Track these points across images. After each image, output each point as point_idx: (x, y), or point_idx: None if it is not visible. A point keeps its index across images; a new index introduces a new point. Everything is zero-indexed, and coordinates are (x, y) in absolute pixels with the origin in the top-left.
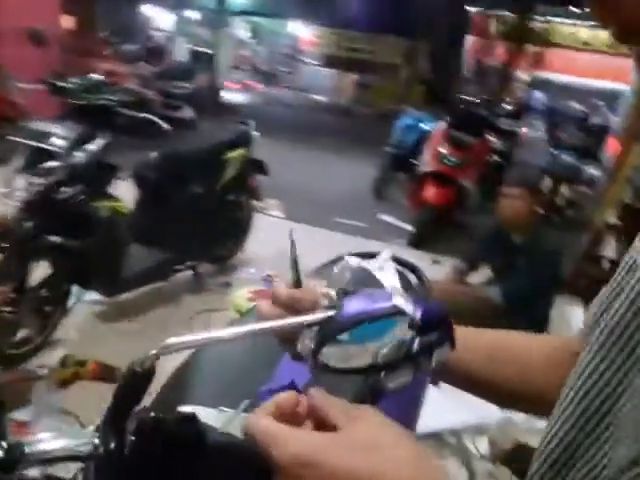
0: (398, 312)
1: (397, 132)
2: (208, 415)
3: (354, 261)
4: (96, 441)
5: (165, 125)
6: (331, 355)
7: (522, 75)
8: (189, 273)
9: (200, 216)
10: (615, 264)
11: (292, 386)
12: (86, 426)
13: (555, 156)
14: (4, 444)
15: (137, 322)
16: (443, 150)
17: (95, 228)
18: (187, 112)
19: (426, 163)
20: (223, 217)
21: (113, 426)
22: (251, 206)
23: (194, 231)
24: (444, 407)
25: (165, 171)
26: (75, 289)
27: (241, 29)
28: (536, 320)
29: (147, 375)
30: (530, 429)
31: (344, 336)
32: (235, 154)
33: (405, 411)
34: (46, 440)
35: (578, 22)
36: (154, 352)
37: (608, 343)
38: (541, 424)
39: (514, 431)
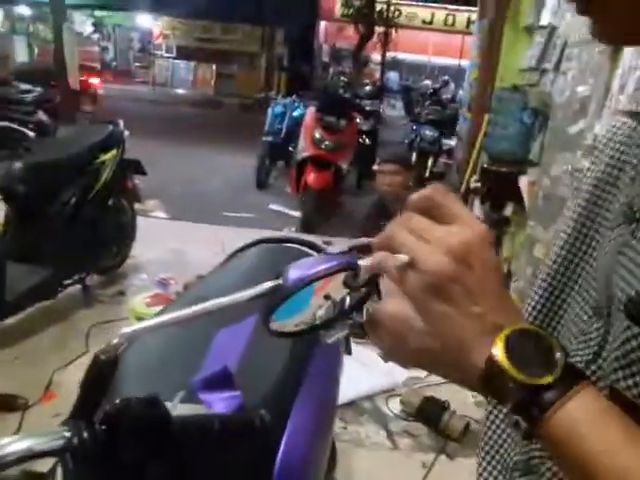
0: (347, 267)
1: (270, 120)
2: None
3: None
4: (67, 434)
5: (28, 132)
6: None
7: (374, 56)
8: (78, 287)
9: (79, 225)
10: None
11: (225, 371)
12: None
13: (416, 131)
14: None
15: (29, 344)
16: (318, 135)
17: None
18: (42, 116)
19: (303, 149)
20: (104, 224)
21: (83, 417)
22: (132, 209)
23: (76, 242)
24: (356, 376)
25: (33, 182)
26: None
27: (83, 24)
28: None
29: (111, 364)
30: (433, 383)
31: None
32: (108, 156)
33: (329, 386)
34: (14, 442)
35: (415, 2)
36: (116, 341)
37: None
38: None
39: (420, 388)
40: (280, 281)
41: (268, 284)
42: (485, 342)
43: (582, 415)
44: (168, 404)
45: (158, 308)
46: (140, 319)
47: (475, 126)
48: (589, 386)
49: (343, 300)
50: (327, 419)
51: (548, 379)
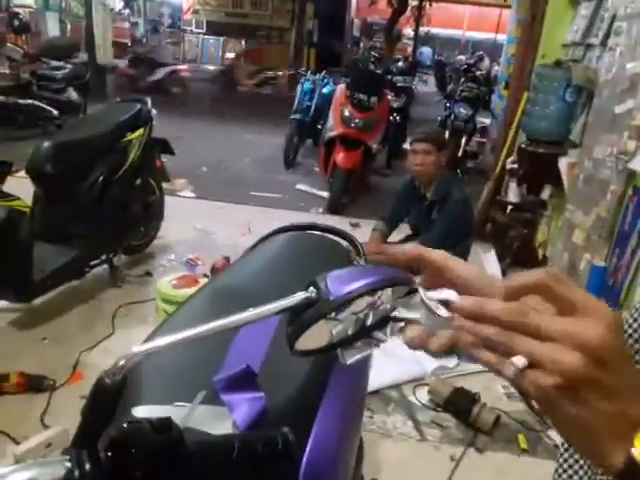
0: (399, 283)
1: (298, 98)
2: (164, 412)
3: None
4: (68, 465)
5: (54, 110)
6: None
7: (407, 31)
8: (105, 267)
9: (107, 205)
10: (517, 207)
11: (248, 371)
12: (19, 442)
13: (450, 109)
14: None
15: (57, 325)
16: (347, 113)
17: None
18: (72, 94)
19: (332, 127)
20: (132, 204)
21: (85, 446)
22: (161, 189)
23: (103, 222)
24: (383, 365)
25: (61, 162)
26: None
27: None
28: None
29: (118, 388)
30: (463, 373)
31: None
32: (136, 135)
33: (358, 374)
34: (9, 473)
35: None
36: (122, 362)
37: None
38: (474, 367)
39: (449, 378)
40: (313, 294)
41: (300, 296)
42: (624, 440)
43: None
44: (188, 405)
45: (185, 290)
46: (167, 301)
47: (512, 104)
48: None
49: (365, 316)
50: (355, 417)
51: None
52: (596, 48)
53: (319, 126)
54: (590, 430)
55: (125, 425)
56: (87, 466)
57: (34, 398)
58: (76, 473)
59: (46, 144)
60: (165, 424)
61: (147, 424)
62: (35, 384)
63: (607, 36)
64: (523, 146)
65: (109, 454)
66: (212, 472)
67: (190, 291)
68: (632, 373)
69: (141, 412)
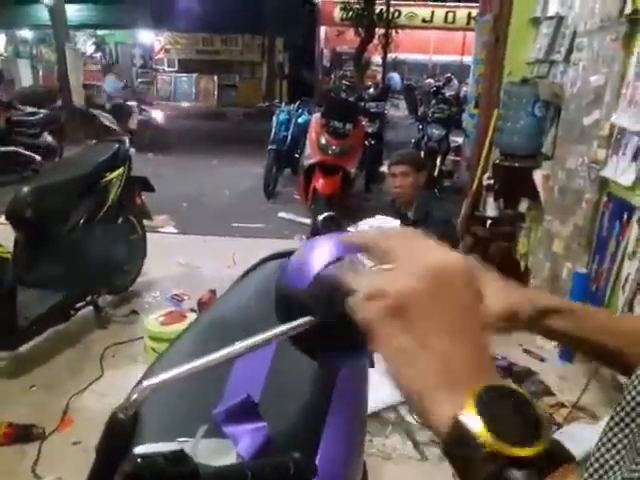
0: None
1: (275, 129)
2: (168, 450)
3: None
4: None
5: (35, 156)
6: None
7: (375, 58)
8: (91, 309)
9: (89, 246)
10: (496, 222)
11: (248, 400)
12: None
13: (423, 131)
14: None
15: (45, 371)
16: (324, 140)
17: None
18: (47, 138)
19: (310, 155)
20: (114, 243)
21: None
22: (142, 226)
23: (86, 264)
24: (376, 386)
25: (41, 205)
26: None
27: (85, 44)
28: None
29: (131, 422)
30: None
31: None
32: (115, 174)
33: (358, 394)
34: None
35: (414, 2)
36: (135, 396)
37: None
38: None
39: None
40: (313, 318)
41: (301, 321)
42: (451, 396)
43: None
44: (191, 440)
45: (173, 326)
46: (155, 339)
47: (484, 122)
48: (574, 470)
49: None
50: (359, 438)
51: (530, 450)
52: (560, 64)
53: (296, 155)
54: (415, 365)
55: (139, 460)
56: None
57: (24, 448)
58: None
59: (25, 189)
60: (179, 457)
61: (161, 458)
62: (23, 434)
63: (570, 52)
64: (497, 161)
65: None
66: None
67: (179, 326)
68: (470, 319)
69: (144, 451)
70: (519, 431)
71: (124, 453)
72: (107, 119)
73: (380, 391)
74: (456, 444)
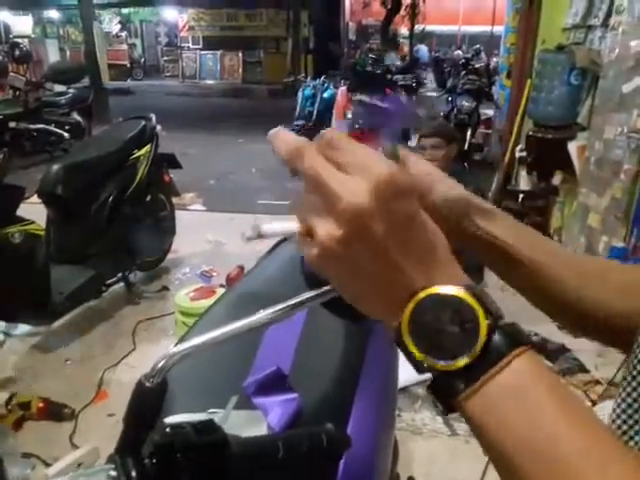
0: None
1: (300, 104)
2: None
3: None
4: (113, 473)
5: (64, 133)
6: None
7: (402, 30)
8: (122, 285)
9: (119, 224)
10: (529, 195)
11: (279, 372)
12: (50, 464)
13: (452, 103)
14: None
15: (79, 345)
16: (351, 115)
17: (10, 257)
18: (76, 117)
19: (337, 130)
20: (144, 220)
21: (129, 453)
22: (171, 203)
23: (117, 240)
24: (405, 361)
25: (71, 183)
26: (1, 325)
27: (110, 23)
28: (471, 261)
29: (159, 390)
30: None
31: None
32: (143, 152)
33: (388, 368)
34: None
35: None
36: (162, 363)
37: None
38: None
39: None
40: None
41: (331, 287)
42: (398, 308)
43: (495, 399)
44: (221, 411)
45: (202, 301)
46: (185, 314)
47: (516, 92)
48: (515, 362)
49: None
50: (389, 413)
51: (458, 364)
52: (597, 29)
53: (323, 130)
54: (371, 282)
55: (168, 430)
56: (133, 474)
57: (62, 423)
58: None
59: (56, 166)
60: (209, 426)
61: (190, 427)
62: (55, 412)
63: (608, 16)
64: (531, 133)
65: (154, 460)
66: (258, 474)
67: (208, 302)
68: (424, 232)
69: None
70: (450, 344)
71: (152, 422)
72: None
73: (408, 367)
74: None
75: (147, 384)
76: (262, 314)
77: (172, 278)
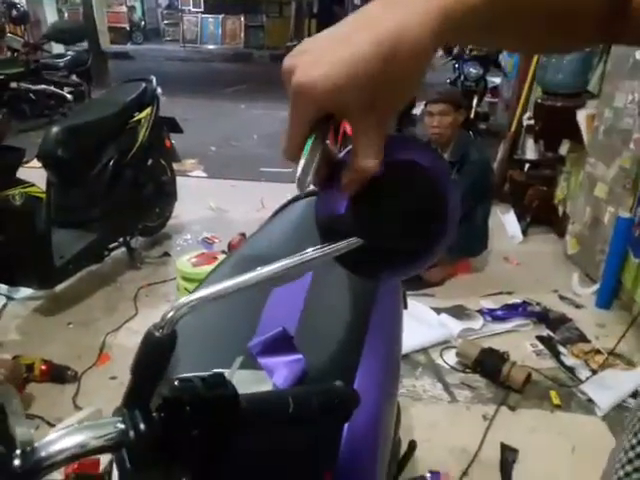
0: None
1: None
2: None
3: None
4: (121, 426)
5: (67, 95)
6: None
7: None
8: (124, 250)
9: (121, 187)
10: (535, 165)
11: (284, 333)
12: (54, 425)
13: (459, 69)
14: (18, 452)
15: (81, 309)
16: None
17: (11, 219)
18: (75, 80)
19: None
20: (145, 184)
21: (137, 406)
22: (172, 169)
23: (118, 204)
24: (409, 329)
25: (71, 146)
26: (3, 288)
27: None
28: (476, 229)
29: (169, 341)
30: (489, 334)
31: None
32: (143, 114)
33: (393, 332)
34: (62, 437)
35: None
36: (172, 313)
37: None
38: (500, 327)
39: (476, 339)
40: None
41: (345, 243)
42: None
43: None
44: (226, 371)
45: (204, 267)
46: (187, 279)
47: (525, 59)
48: None
49: None
50: (393, 377)
51: None
52: None
53: None
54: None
55: (177, 383)
56: (142, 426)
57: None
58: (131, 434)
59: (56, 128)
60: (218, 380)
61: (199, 381)
62: (58, 375)
63: None
64: (539, 101)
65: (162, 414)
66: (268, 428)
67: (210, 268)
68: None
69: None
70: None
71: (160, 375)
72: None
73: (410, 334)
74: None
75: (157, 334)
76: (277, 265)
77: (173, 244)
